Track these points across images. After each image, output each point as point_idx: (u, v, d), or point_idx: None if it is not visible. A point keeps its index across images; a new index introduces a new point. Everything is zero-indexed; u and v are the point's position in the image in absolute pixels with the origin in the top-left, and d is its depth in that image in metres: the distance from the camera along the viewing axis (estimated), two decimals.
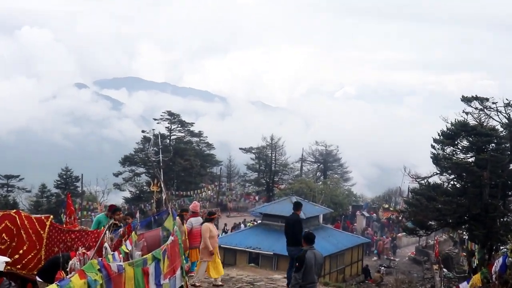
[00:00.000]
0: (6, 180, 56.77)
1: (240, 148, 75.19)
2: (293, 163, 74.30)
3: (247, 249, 33.40)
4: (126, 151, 66.41)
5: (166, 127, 65.39)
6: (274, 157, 71.01)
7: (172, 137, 65.95)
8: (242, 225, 46.86)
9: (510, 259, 16.50)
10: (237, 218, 55.22)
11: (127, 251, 9.49)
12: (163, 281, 9.17)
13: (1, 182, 56.73)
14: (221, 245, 27.12)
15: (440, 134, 28.38)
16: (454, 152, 28.36)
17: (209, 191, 64.66)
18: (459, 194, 27.50)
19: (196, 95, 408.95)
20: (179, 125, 67.22)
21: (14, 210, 12.03)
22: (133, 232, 10.29)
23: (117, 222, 12.43)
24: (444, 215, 27.01)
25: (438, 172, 28.59)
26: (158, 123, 66.85)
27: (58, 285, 6.65)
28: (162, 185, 12.15)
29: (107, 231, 10.37)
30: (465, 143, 28.17)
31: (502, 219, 26.70)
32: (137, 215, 12.98)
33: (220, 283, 14.96)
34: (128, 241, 9.83)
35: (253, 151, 72.84)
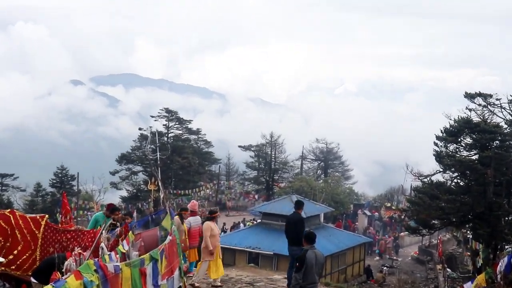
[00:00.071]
0: (1, 179, 56.68)
1: (239, 146, 75.18)
2: (293, 161, 74.39)
3: (246, 249, 33.40)
4: (123, 149, 66.38)
5: (163, 125, 65.38)
6: (273, 155, 71.00)
7: (169, 135, 65.93)
8: (242, 225, 46.84)
9: None
10: (236, 217, 55.21)
11: (124, 251, 9.47)
12: (161, 282, 9.15)
13: None
14: (220, 245, 27.08)
15: (443, 131, 28.37)
16: (457, 150, 28.37)
17: (207, 190, 64.60)
18: (463, 192, 27.51)
19: (194, 92, 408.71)
20: (177, 123, 67.17)
21: (9, 210, 12.00)
22: (130, 232, 10.26)
23: (115, 222, 12.39)
24: (448, 214, 27.01)
25: (441, 170, 28.60)
26: (155, 120, 66.86)
27: (53, 286, 6.63)
28: (160, 184, 12.15)
29: (103, 231, 10.36)
30: (468, 140, 28.17)
31: (506, 218, 26.67)
32: (134, 214, 12.98)
33: (219, 283, 14.93)
34: (125, 241, 9.81)
35: (252, 149, 72.82)
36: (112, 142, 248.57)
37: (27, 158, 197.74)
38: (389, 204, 60.25)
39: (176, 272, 10.01)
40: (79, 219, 46.31)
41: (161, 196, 13.86)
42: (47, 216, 11.80)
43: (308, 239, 10.70)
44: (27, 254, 11.24)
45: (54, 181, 55.69)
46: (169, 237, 9.92)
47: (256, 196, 68.33)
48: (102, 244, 9.57)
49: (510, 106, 27.43)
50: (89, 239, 11.19)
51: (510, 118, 27.23)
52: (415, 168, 31.32)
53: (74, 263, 8.70)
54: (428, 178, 28.97)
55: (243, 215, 56.67)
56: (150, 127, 63.93)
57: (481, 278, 18.50)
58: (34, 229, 11.42)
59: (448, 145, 28.37)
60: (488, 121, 27.89)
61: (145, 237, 10.59)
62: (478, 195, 26.43)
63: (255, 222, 42.86)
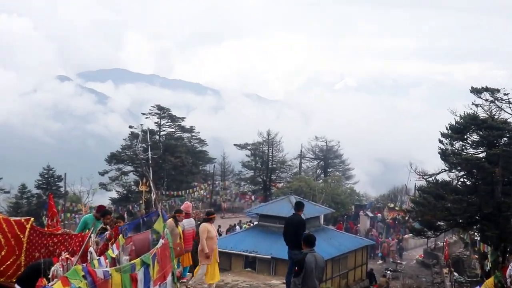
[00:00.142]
0: None
1: (235, 144, 75.08)
2: (291, 160, 74.35)
3: (243, 253, 33.37)
4: (112, 148, 66.30)
5: (155, 122, 65.30)
6: (271, 154, 70.99)
7: (161, 133, 65.84)
8: (238, 227, 46.83)
9: None
10: (232, 220, 55.18)
11: (114, 255, 9.43)
12: None
13: None
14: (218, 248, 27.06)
15: (448, 127, 28.44)
16: (463, 147, 28.45)
17: (201, 191, 64.61)
18: (470, 192, 27.57)
19: (187, 88, 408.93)
20: (169, 120, 67.08)
21: None
22: (120, 236, 10.22)
23: (106, 226, 12.32)
24: (454, 215, 27.08)
25: (447, 168, 28.67)
26: (146, 118, 66.74)
27: None
28: (151, 185, 12.11)
29: (92, 235, 10.31)
30: (475, 137, 28.25)
31: None
32: (125, 216, 12.93)
33: None
34: (115, 245, 9.76)
35: (248, 147, 72.76)
36: (101, 141, 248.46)
37: (11, 158, 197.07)
38: (392, 205, 60.33)
39: (169, 278, 9.98)
40: (66, 222, 46.22)
41: (153, 198, 13.81)
42: (32, 219, 11.74)
43: (307, 242, 10.67)
44: (11, 260, 11.17)
45: (40, 182, 55.54)
46: (161, 241, 9.88)
47: (253, 197, 68.32)
48: (91, 249, 9.52)
49: None
50: (77, 243, 11.13)
51: None
52: (419, 167, 31.45)
53: (61, 269, 8.65)
54: (433, 177, 29.04)
55: (239, 217, 56.62)
56: (141, 125, 63.94)
57: (489, 282, 18.50)
58: (18, 233, 11.34)
59: (454, 143, 28.45)
60: (496, 117, 27.99)
61: (136, 240, 10.54)
62: (486, 195, 26.50)
63: (251, 225, 42.83)
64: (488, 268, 26.59)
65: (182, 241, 14.36)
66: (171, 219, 14.01)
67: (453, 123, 28.22)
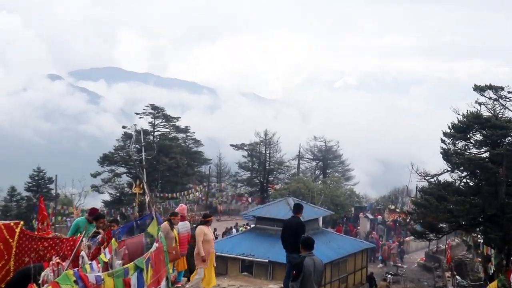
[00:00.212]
0: None
1: (231, 145, 75.15)
2: (289, 160, 74.43)
3: (239, 257, 33.35)
4: (105, 149, 66.17)
5: (149, 122, 65.22)
6: (268, 154, 71.01)
7: (156, 133, 65.76)
8: (234, 230, 46.84)
9: None
10: (228, 222, 55.21)
11: (106, 260, 9.42)
12: None
13: None
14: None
15: (450, 127, 28.47)
16: (466, 147, 28.47)
17: (197, 193, 64.55)
18: (473, 193, 27.59)
19: (182, 87, 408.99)
20: (163, 120, 67.01)
21: None
22: (113, 239, 10.21)
23: (100, 230, 12.29)
24: (457, 217, 27.08)
25: (449, 169, 28.70)
26: (140, 117, 66.65)
27: None
28: (145, 187, 12.10)
29: (84, 238, 10.29)
30: (478, 136, 28.28)
31: None
32: (119, 220, 12.92)
33: None
34: (107, 249, 9.75)
35: (245, 148, 72.81)
36: (93, 142, 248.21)
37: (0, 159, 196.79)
38: (393, 207, 60.41)
39: (163, 283, 9.97)
40: (57, 225, 46.14)
41: (147, 200, 13.82)
42: (22, 222, 11.71)
43: (305, 245, 10.65)
44: (0, 265, 11.15)
45: (30, 184, 55.43)
46: (155, 244, 9.88)
47: (250, 199, 68.35)
48: (83, 253, 9.51)
49: None
50: (68, 248, 11.11)
51: None
52: (420, 167, 31.44)
53: (52, 274, 8.63)
54: (435, 178, 29.07)
55: (235, 220, 56.66)
56: (135, 125, 63.99)
57: (493, 286, 18.58)
58: (7, 237, 11.30)
59: (457, 142, 28.47)
60: (500, 115, 27.99)
61: (129, 244, 10.53)
62: (489, 196, 26.52)
63: (248, 227, 42.83)
64: (492, 271, 26.64)
65: (177, 244, 14.35)
66: (166, 222, 14.00)
67: (456, 122, 28.25)
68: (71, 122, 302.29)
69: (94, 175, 62.62)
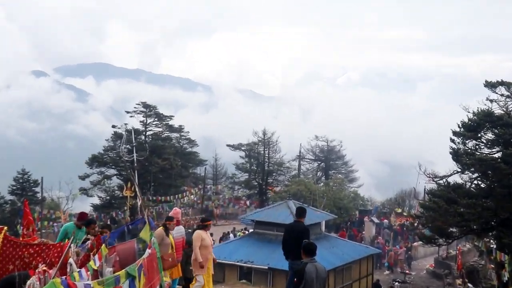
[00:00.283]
0: None
1: (228, 145, 75.15)
2: (289, 161, 74.41)
3: (237, 263, 33.33)
4: (94, 150, 66.14)
5: (140, 121, 65.21)
6: (267, 155, 70.99)
7: (147, 133, 65.73)
8: (231, 235, 46.81)
9: None
10: (225, 227, 55.16)
11: (96, 267, 9.40)
12: None
13: None
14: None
15: (460, 125, 28.47)
16: (477, 147, 28.48)
17: (192, 196, 64.50)
18: (484, 195, 27.59)
19: (175, 84, 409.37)
20: (156, 119, 67.00)
21: None
22: (103, 245, 10.19)
23: (90, 236, 12.26)
24: (467, 220, 27.08)
25: (459, 170, 28.69)
26: (131, 116, 66.61)
27: None
28: (137, 189, 12.09)
29: (72, 244, 10.27)
30: (490, 135, 28.26)
31: None
32: (111, 225, 12.89)
33: None
34: (97, 256, 9.73)
35: (242, 148, 72.80)
36: (81, 142, 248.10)
37: None
38: (400, 210, 60.43)
39: None
40: (43, 231, 46.09)
41: (139, 204, 13.80)
42: (5, 228, 11.69)
43: (307, 250, 10.64)
44: None
45: (14, 188, 55.39)
46: (148, 251, 9.86)
47: (248, 202, 68.31)
48: (71, 260, 9.49)
49: None
50: (55, 254, 11.08)
51: None
52: (429, 168, 31.40)
53: (38, 282, 8.60)
54: (444, 180, 29.08)
55: (233, 224, 56.64)
56: (125, 124, 63.88)
57: None
58: None
59: (467, 142, 28.48)
60: None
61: (121, 250, 10.52)
62: (502, 199, 26.52)
63: (246, 232, 42.83)
64: (506, 278, 26.62)
65: (174, 251, 14.32)
66: (161, 228, 13.97)
67: (466, 120, 28.26)
68: (57, 121, 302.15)
69: (83, 178, 62.54)
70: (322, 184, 67.55)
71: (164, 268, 12.17)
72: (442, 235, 29.02)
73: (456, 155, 28.34)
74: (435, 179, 29.79)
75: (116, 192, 60.30)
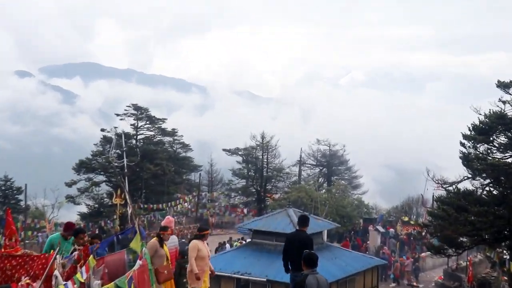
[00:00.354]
0: None
1: (224, 149, 75.13)
2: (289, 166, 74.52)
3: (234, 275, 33.26)
4: (81, 155, 66.08)
5: (131, 125, 65.28)
6: (265, 160, 71.00)
7: (139, 137, 65.85)
8: (228, 245, 46.78)
9: None
10: (221, 237, 55.16)
11: (83, 280, 9.36)
12: None
13: None
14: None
15: (471, 128, 28.46)
16: (489, 151, 28.47)
17: (185, 203, 64.51)
18: (497, 203, 27.57)
19: (168, 84, 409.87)
20: (147, 122, 67.08)
21: None
22: (91, 256, 10.15)
23: (76, 247, 12.18)
24: (479, 230, 27.06)
25: (470, 175, 28.68)
26: (121, 119, 66.74)
27: None
28: (127, 197, 12.04)
29: (57, 256, 10.23)
30: (502, 139, 28.26)
31: None
32: (101, 235, 12.83)
33: None
34: (84, 268, 9.69)
35: (239, 152, 72.81)
36: (67, 147, 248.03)
37: None
38: (406, 218, 60.43)
39: None
40: (27, 241, 46.04)
41: (129, 212, 13.76)
42: None
43: (308, 261, 10.61)
44: None
45: None
46: (139, 262, 9.82)
47: (245, 210, 68.35)
48: (56, 272, 9.45)
49: None
50: (40, 266, 11.04)
51: None
52: (437, 174, 31.40)
53: None
54: (454, 186, 29.05)
55: (229, 234, 56.60)
56: (115, 127, 64.01)
57: None
58: None
59: (478, 146, 28.46)
60: None
61: (110, 262, 10.48)
62: None
63: (244, 242, 42.81)
64: None
65: (169, 263, 14.25)
66: (154, 238, 13.89)
67: (477, 123, 28.25)
68: (42, 124, 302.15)
69: (69, 184, 62.51)
70: (324, 190, 67.52)
71: (159, 281, 12.11)
72: (452, 245, 28.99)
73: (466, 159, 28.32)
74: (444, 186, 29.78)
75: (105, 199, 60.25)
